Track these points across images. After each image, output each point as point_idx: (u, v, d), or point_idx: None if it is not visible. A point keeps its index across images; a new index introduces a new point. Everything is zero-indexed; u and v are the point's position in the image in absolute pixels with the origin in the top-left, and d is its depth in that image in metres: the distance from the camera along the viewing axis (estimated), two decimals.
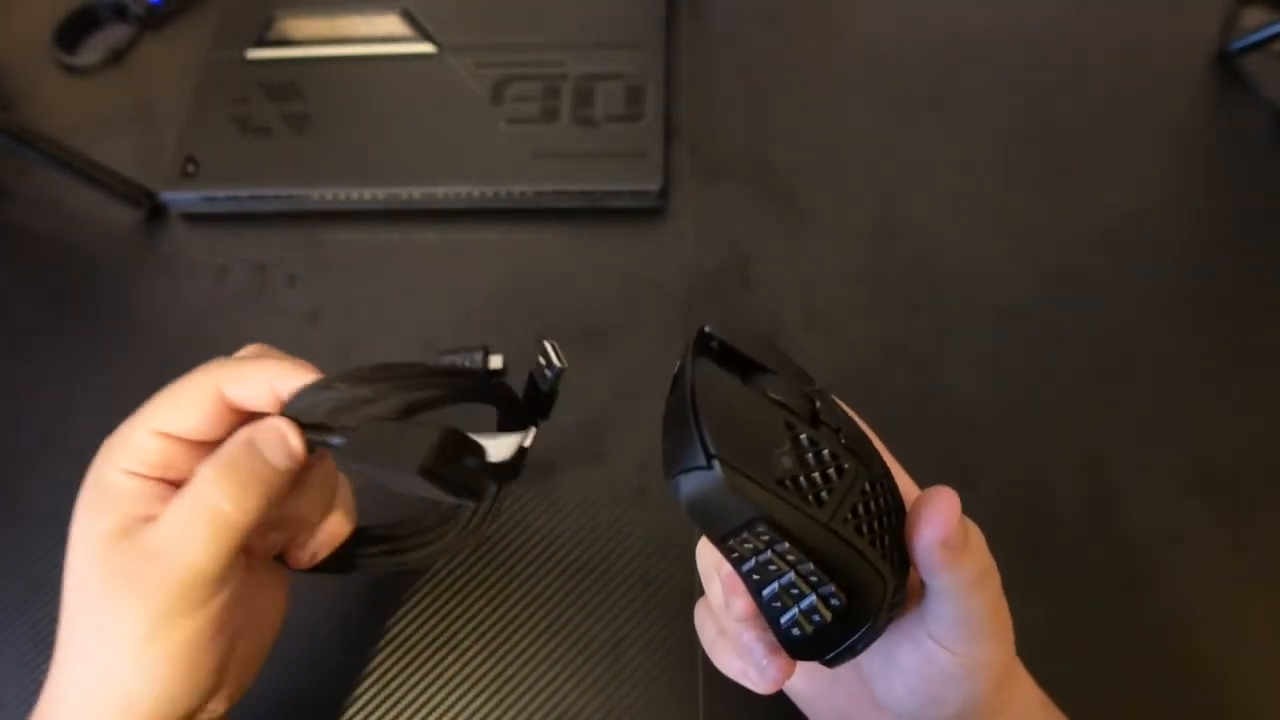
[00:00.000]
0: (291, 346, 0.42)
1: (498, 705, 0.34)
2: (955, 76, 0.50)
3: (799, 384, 0.22)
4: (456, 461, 0.23)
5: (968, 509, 0.37)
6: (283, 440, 0.26)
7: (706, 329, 0.23)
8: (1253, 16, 0.50)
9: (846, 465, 0.21)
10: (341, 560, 0.30)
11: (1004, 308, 0.42)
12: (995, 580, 0.24)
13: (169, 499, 0.26)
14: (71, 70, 0.53)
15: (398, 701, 0.34)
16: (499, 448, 0.27)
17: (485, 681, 0.34)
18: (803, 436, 0.21)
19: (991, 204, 0.46)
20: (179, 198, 0.46)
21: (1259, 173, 0.46)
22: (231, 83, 0.49)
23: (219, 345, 0.43)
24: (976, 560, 0.23)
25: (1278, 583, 0.35)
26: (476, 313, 0.43)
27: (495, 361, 0.41)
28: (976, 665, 0.24)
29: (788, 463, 0.20)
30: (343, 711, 0.34)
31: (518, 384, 0.41)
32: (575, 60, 0.48)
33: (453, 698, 0.34)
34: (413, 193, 0.45)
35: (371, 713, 0.34)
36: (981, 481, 0.38)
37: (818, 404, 0.22)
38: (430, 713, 0.34)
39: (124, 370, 0.43)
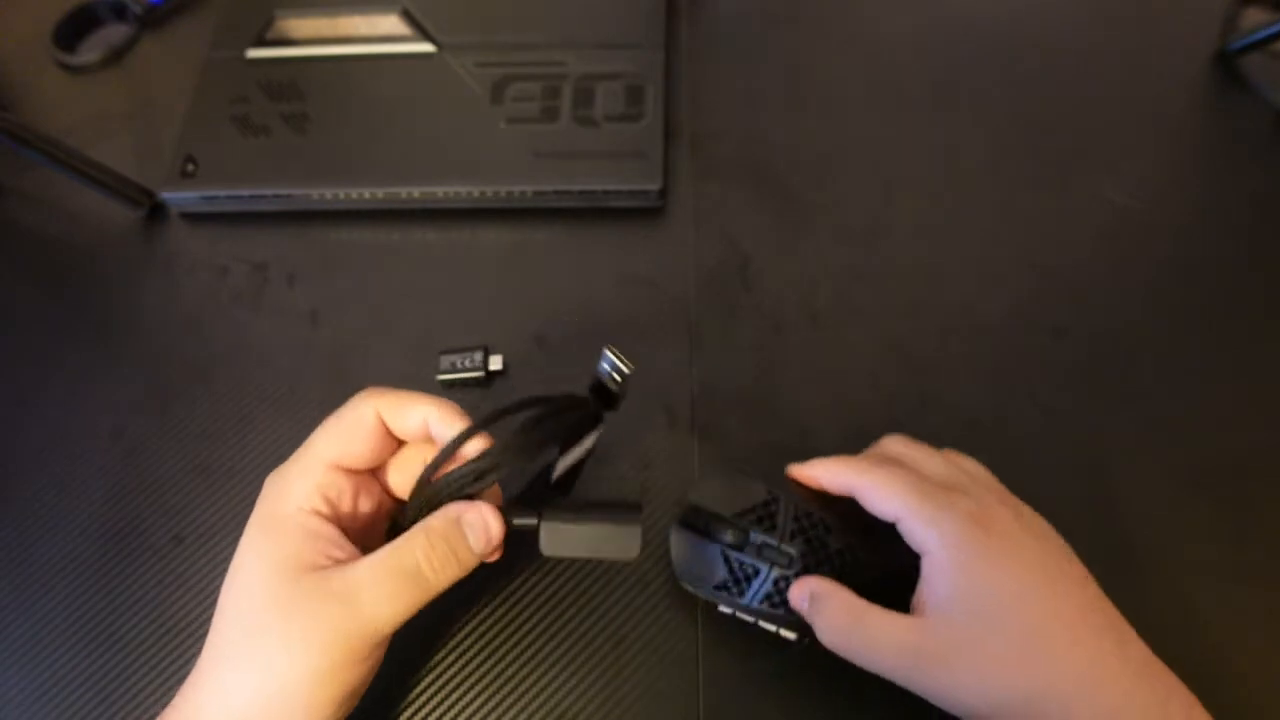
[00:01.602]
0: (291, 346, 0.43)
1: (498, 705, 0.34)
2: (955, 76, 0.50)
3: (743, 523, 0.33)
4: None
5: None
6: (486, 529, 0.29)
7: (692, 501, 0.34)
8: (1253, 16, 0.50)
9: (761, 569, 0.32)
10: None
11: (1004, 307, 0.42)
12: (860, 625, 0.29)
13: (344, 545, 0.28)
14: (71, 69, 0.53)
15: (397, 701, 0.34)
16: (581, 451, 0.33)
17: (485, 681, 0.34)
18: (732, 558, 0.33)
19: (991, 203, 0.46)
20: (178, 197, 0.46)
21: (1259, 172, 0.46)
22: (231, 82, 0.49)
23: (219, 345, 0.43)
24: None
25: (1278, 583, 0.35)
26: (476, 313, 0.43)
27: (495, 362, 0.41)
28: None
29: (722, 573, 0.33)
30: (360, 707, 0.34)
31: (516, 384, 0.41)
32: (575, 60, 0.48)
33: (453, 698, 0.34)
34: (413, 193, 0.45)
35: (372, 713, 0.34)
36: None
37: (750, 534, 0.33)
38: (430, 713, 0.34)
39: (124, 369, 0.43)
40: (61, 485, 0.40)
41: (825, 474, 0.33)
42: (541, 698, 0.34)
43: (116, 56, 0.53)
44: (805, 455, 0.38)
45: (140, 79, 0.53)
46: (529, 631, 0.35)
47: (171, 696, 0.28)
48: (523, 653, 0.35)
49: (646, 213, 0.46)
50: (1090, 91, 0.49)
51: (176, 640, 0.36)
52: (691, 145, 0.48)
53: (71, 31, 0.54)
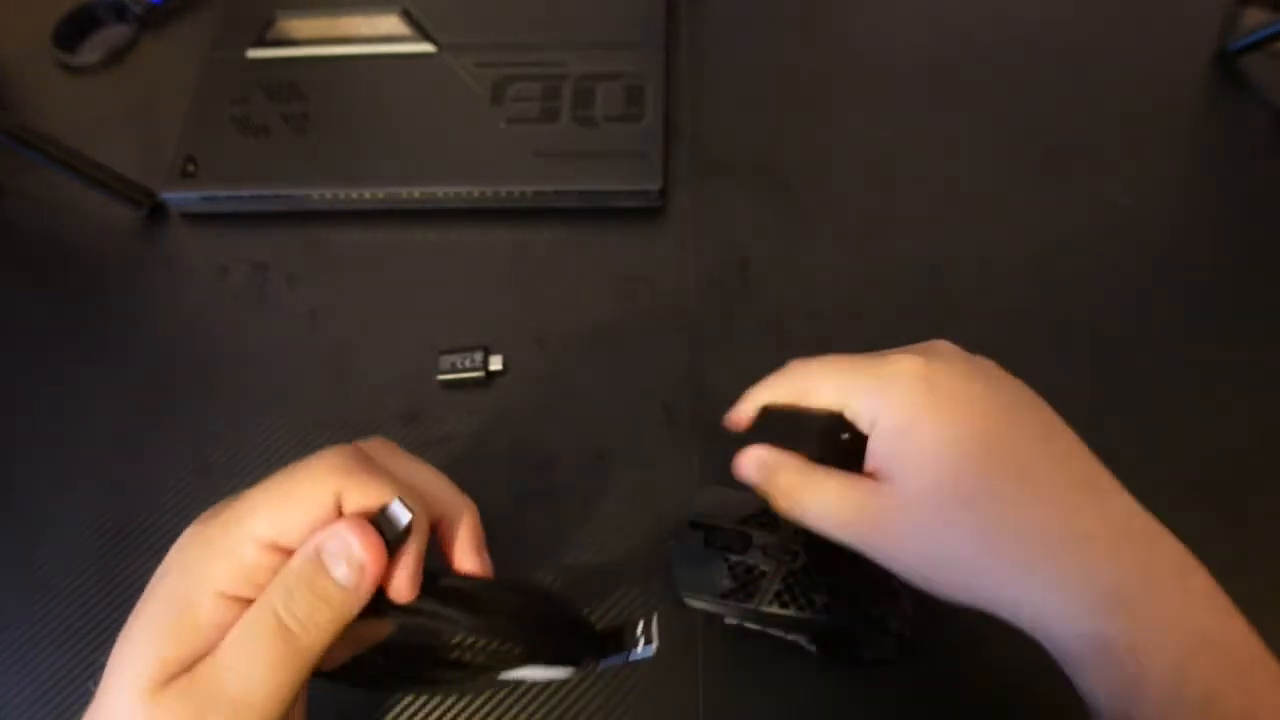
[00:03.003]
0: (291, 346, 0.43)
1: (498, 705, 0.34)
2: (955, 76, 0.50)
3: (743, 528, 0.33)
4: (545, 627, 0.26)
5: None
6: (348, 553, 0.22)
7: (690, 516, 0.34)
8: (1253, 17, 0.50)
9: (766, 570, 0.32)
10: (361, 668, 0.28)
11: (1004, 308, 0.42)
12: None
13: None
14: (71, 70, 0.53)
15: (397, 701, 0.34)
16: (543, 674, 0.27)
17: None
18: (734, 562, 0.32)
19: (991, 203, 0.46)
20: (179, 197, 0.46)
21: (1259, 172, 0.46)
22: (231, 82, 0.49)
23: (219, 345, 0.43)
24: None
25: (1278, 583, 0.35)
26: (476, 313, 0.43)
27: (495, 362, 0.41)
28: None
29: (728, 582, 0.32)
30: (341, 712, 0.34)
31: (517, 384, 0.41)
32: (575, 60, 0.48)
33: (453, 697, 0.34)
34: (413, 193, 0.45)
35: (371, 713, 0.34)
36: None
37: (753, 536, 0.33)
38: (430, 712, 0.34)
39: (124, 369, 0.43)
40: (61, 485, 0.40)
41: (756, 404, 0.31)
42: (542, 698, 0.34)
43: (117, 57, 0.53)
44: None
45: (141, 79, 0.53)
46: None
47: None
48: None
49: (646, 213, 0.46)
50: (1090, 91, 0.49)
51: None
52: (691, 145, 0.48)
53: (72, 32, 0.54)
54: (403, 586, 0.23)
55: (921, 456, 0.26)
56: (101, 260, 0.46)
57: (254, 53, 0.50)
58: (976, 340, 0.42)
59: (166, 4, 0.54)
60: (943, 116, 0.49)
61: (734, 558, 0.32)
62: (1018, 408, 0.27)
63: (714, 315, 0.42)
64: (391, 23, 0.51)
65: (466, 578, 0.26)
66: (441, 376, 0.41)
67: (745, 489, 0.32)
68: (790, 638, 0.32)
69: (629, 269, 0.44)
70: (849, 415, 0.28)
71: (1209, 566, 0.36)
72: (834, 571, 0.31)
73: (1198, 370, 0.40)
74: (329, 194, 0.45)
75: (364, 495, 0.23)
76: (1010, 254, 0.44)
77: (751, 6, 0.53)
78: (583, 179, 0.45)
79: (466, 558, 0.26)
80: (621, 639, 0.27)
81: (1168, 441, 0.39)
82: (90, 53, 0.53)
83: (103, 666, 0.22)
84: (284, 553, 0.23)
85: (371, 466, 0.23)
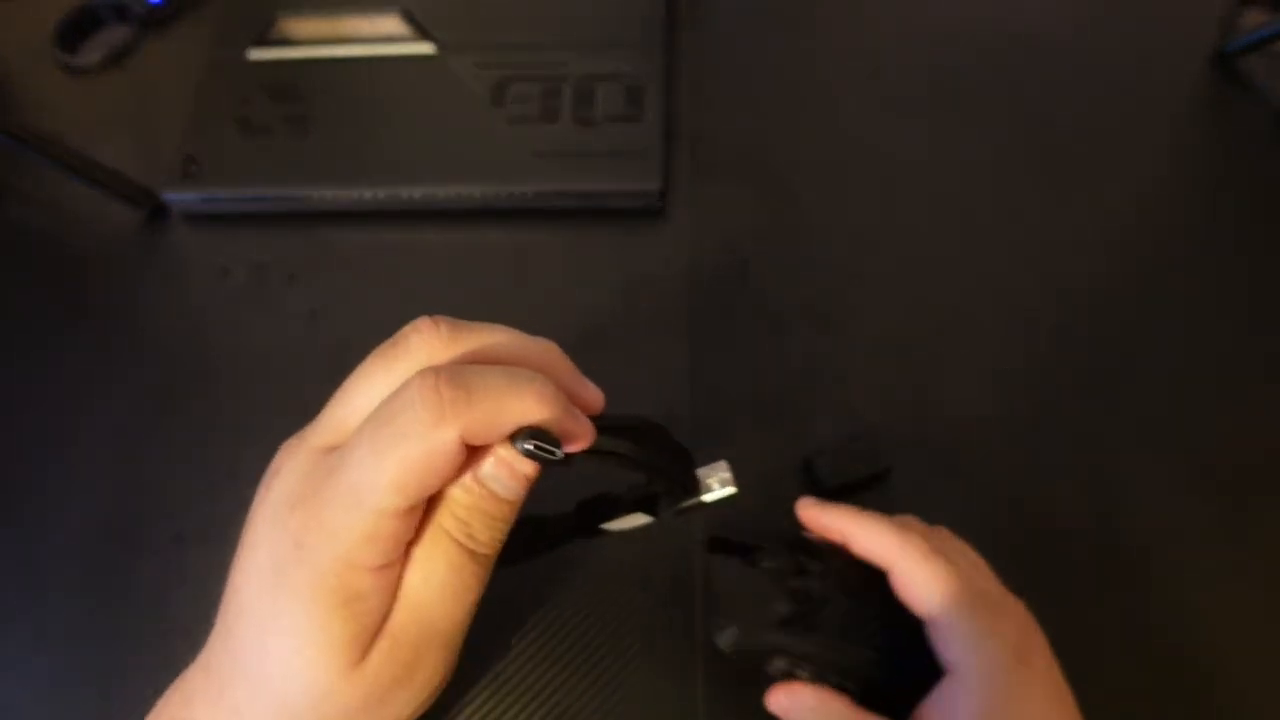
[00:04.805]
0: (291, 346, 0.43)
1: (497, 705, 0.34)
2: (955, 76, 0.50)
3: (788, 546, 0.29)
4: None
5: (967, 509, 0.37)
6: (511, 471, 0.23)
7: (715, 536, 0.30)
8: (1252, 17, 0.50)
9: (828, 596, 0.28)
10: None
11: (1003, 307, 0.42)
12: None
13: (396, 576, 0.23)
14: (72, 71, 0.53)
15: None
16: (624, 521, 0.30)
17: (485, 681, 0.34)
18: (794, 586, 0.28)
19: (990, 203, 0.46)
20: (180, 198, 0.46)
21: (1258, 173, 0.46)
22: (233, 83, 0.49)
23: (219, 345, 0.43)
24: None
25: (1278, 583, 0.35)
26: (476, 314, 0.43)
27: None
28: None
29: (783, 608, 0.27)
30: None
31: None
32: (575, 60, 0.48)
33: (452, 697, 0.34)
34: (413, 193, 0.45)
35: None
36: (981, 482, 0.38)
37: (802, 558, 0.29)
38: (429, 713, 0.34)
39: (124, 369, 0.43)
40: (62, 485, 0.40)
41: (860, 533, 0.29)
42: (541, 698, 0.34)
43: (118, 58, 0.53)
44: (804, 456, 0.38)
45: (142, 80, 0.53)
46: (529, 631, 0.35)
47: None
48: (523, 652, 0.35)
49: (646, 213, 0.46)
50: (1090, 92, 0.49)
51: (176, 640, 0.36)
52: (691, 145, 0.48)
53: (73, 33, 0.54)
54: (576, 443, 0.24)
55: None
56: (102, 261, 0.46)
57: (255, 53, 0.50)
58: (977, 340, 0.42)
59: (168, 4, 0.54)
60: (942, 116, 0.49)
61: (791, 581, 0.28)
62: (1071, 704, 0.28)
63: (714, 315, 0.43)
64: (392, 23, 0.51)
65: (600, 416, 0.25)
66: None
67: (773, 516, 0.31)
68: (835, 679, 0.29)
69: (629, 269, 0.44)
70: (932, 638, 0.27)
71: (1209, 566, 0.36)
72: (879, 609, 0.29)
73: (1198, 369, 0.40)
74: (329, 194, 0.45)
75: (487, 429, 0.22)
76: (1010, 254, 0.44)
77: (752, 6, 0.54)
78: (583, 179, 0.45)
79: (583, 390, 0.26)
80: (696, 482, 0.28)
81: (1168, 441, 0.39)
82: (91, 53, 0.53)
83: (103, 668, 0.22)
84: (420, 509, 0.23)
85: (470, 395, 0.21)
